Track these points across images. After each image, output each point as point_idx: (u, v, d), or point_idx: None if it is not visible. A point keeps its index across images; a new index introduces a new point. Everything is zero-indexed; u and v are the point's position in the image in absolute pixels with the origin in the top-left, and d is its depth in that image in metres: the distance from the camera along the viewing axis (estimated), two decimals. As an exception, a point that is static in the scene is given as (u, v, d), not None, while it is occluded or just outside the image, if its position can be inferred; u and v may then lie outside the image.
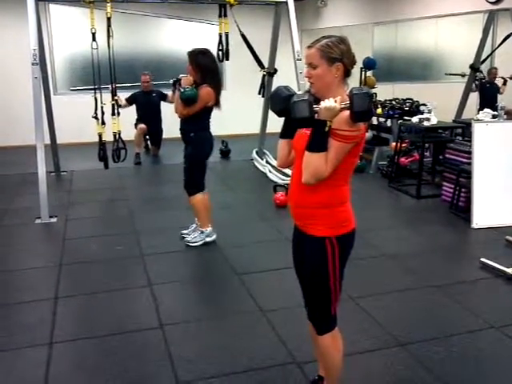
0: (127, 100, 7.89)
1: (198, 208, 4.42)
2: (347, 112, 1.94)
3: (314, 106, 1.94)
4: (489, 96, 8.41)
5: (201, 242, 4.48)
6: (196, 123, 4.27)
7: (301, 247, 2.23)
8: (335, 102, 1.93)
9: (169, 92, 7.74)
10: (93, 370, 2.76)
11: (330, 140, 1.97)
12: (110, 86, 6.22)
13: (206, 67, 4.18)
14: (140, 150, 8.11)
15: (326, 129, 1.94)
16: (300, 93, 2.10)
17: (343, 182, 2.12)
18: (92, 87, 6.16)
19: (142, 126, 8.13)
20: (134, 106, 8.17)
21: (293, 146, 2.19)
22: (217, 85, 4.24)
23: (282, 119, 2.17)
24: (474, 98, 8.62)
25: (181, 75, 4.27)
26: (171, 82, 4.44)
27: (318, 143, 1.96)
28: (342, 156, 1.99)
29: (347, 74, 2.07)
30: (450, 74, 8.98)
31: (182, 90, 4.10)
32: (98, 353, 2.92)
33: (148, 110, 8.19)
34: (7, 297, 3.62)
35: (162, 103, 8.22)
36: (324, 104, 1.93)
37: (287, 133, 2.19)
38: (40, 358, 2.84)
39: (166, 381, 2.64)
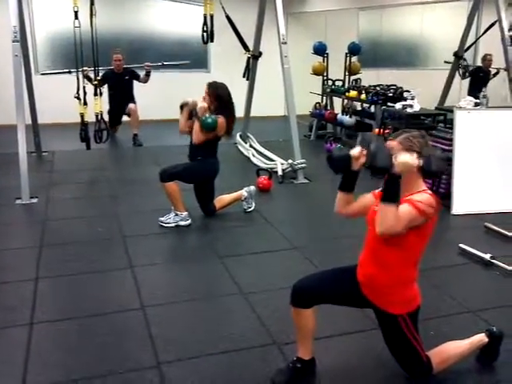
0: (99, 81, 7.42)
1: (172, 194, 4.47)
2: (425, 197, 2.17)
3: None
4: (480, 84, 8.07)
5: (173, 224, 4.50)
6: (206, 150, 4.54)
7: (362, 299, 2.39)
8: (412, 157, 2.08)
9: (141, 73, 7.66)
10: (73, 350, 2.76)
11: (405, 205, 2.13)
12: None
13: (226, 100, 4.48)
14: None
15: (400, 180, 2.10)
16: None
17: (412, 264, 2.33)
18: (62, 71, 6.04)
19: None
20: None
21: (367, 222, 2.35)
22: (232, 117, 4.54)
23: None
24: (458, 85, 8.65)
25: (188, 99, 4.51)
26: (179, 106, 4.60)
27: (391, 193, 2.10)
28: (412, 221, 2.13)
29: None
30: (449, 62, 8.53)
31: (204, 118, 4.35)
32: (78, 334, 2.92)
33: (120, 91, 7.93)
34: (-13, 277, 3.59)
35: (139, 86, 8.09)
36: (404, 158, 2.07)
37: (345, 186, 2.37)
38: (20, 338, 2.83)
39: (146, 361, 2.65)
